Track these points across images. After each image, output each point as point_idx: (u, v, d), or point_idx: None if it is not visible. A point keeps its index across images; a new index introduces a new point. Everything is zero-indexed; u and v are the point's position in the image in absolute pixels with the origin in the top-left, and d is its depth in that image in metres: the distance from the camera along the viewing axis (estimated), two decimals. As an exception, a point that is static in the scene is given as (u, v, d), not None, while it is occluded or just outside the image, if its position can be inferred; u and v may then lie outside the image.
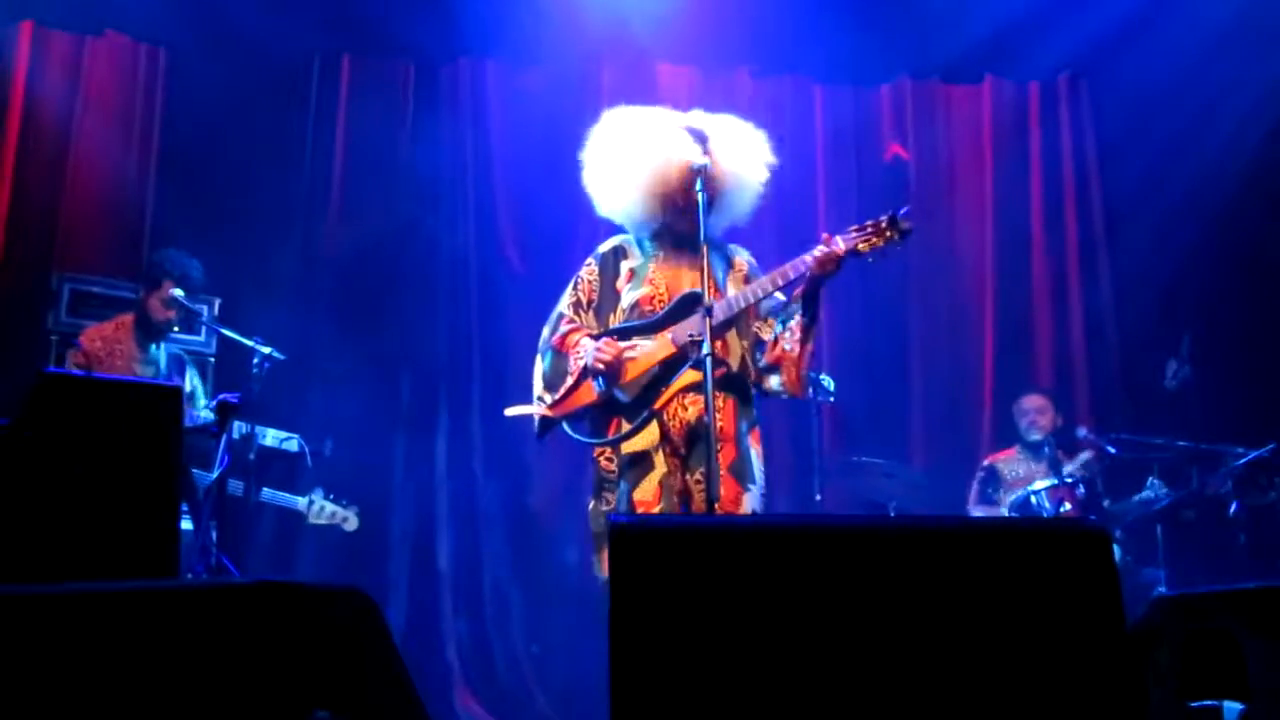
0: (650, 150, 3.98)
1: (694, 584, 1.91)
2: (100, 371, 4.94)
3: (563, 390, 3.90)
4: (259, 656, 1.95)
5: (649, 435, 3.79)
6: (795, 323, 3.84)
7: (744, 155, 4.06)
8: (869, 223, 3.70)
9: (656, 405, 3.77)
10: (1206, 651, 2.20)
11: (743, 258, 4.10)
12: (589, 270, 4.09)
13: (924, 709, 1.89)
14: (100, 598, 1.96)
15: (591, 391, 3.88)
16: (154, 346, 5.39)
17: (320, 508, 5.43)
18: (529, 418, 4.00)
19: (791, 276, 3.74)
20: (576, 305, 4.05)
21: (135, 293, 5.51)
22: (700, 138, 3.96)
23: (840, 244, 3.69)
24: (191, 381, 5.49)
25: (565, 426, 3.92)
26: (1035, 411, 6.27)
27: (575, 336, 3.96)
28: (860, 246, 3.68)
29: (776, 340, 3.88)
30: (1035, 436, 6.19)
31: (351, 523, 5.52)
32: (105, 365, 5.12)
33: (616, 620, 1.87)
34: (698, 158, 3.83)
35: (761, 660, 1.88)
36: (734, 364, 3.91)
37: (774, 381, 3.91)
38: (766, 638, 1.89)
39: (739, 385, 3.92)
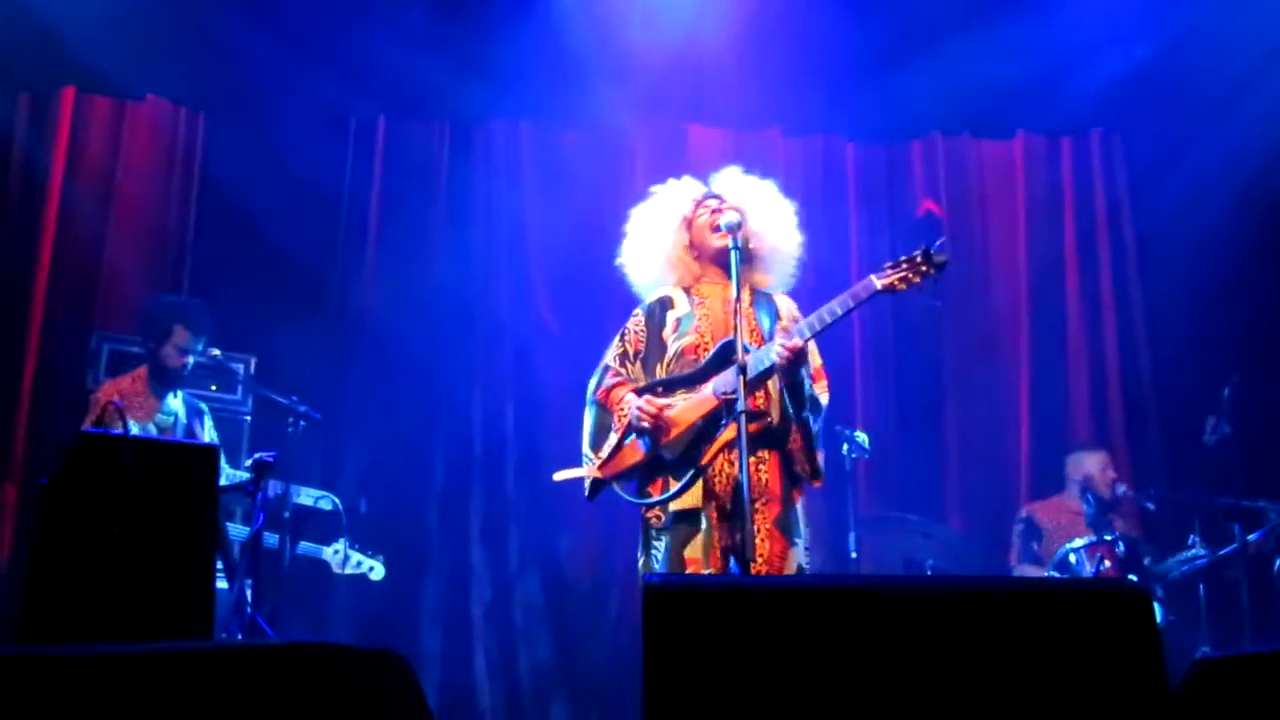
0: (656, 214, 4.14)
1: (729, 644, 1.90)
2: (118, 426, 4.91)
3: (609, 450, 3.87)
4: (293, 717, 1.95)
5: (694, 492, 3.73)
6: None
7: (778, 223, 4.10)
8: (903, 258, 3.63)
9: (703, 462, 3.70)
10: (1251, 715, 2.16)
11: (790, 307, 4.08)
12: (635, 321, 4.07)
13: (964, 773, 1.86)
14: (136, 659, 1.96)
15: (638, 450, 3.84)
16: (171, 395, 5.39)
17: (346, 557, 5.46)
18: (579, 480, 3.98)
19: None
20: (623, 356, 4.03)
21: (143, 346, 5.47)
22: (723, 197, 4.08)
23: (838, 309, 3.64)
24: (210, 431, 5.51)
25: (615, 487, 3.88)
26: (1100, 469, 6.14)
27: (620, 392, 3.93)
28: (896, 284, 3.61)
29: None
30: (1103, 496, 6.01)
31: (378, 572, 5.55)
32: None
33: (651, 680, 1.86)
34: (710, 207, 4.03)
35: (798, 723, 1.86)
36: (777, 414, 3.83)
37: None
38: (803, 699, 1.87)
39: (782, 439, 3.85)
